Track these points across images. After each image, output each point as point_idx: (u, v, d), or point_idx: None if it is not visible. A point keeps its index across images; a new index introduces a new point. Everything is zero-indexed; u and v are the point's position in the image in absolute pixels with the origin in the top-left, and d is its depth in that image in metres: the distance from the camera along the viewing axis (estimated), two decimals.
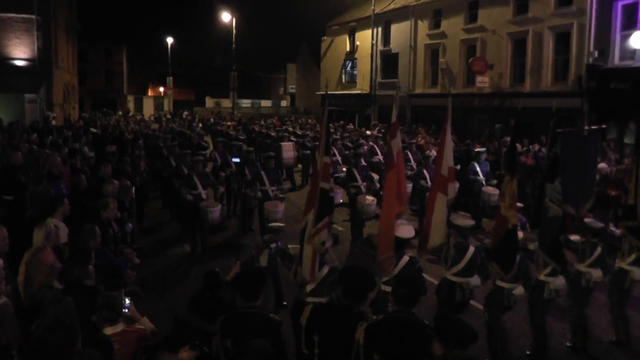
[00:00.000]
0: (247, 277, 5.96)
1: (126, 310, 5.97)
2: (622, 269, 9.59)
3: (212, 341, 4.98)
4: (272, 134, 29.38)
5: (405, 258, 8.29)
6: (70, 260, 6.81)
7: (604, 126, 14.73)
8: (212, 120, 46.26)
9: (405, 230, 8.49)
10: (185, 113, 54.77)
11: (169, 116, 51.92)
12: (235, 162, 18.40)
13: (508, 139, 20.47)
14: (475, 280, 8.75)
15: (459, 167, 17.20)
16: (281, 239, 10.83)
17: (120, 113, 46.78)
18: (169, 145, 20.38)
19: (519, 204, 11.01)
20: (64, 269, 6.74)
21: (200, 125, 41.12)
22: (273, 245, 10.32)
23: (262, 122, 38.94)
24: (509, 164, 8.51)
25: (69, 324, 4.67)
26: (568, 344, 9.48)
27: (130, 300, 6.07)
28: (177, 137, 25.47)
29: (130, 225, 10.85)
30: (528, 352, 9.17)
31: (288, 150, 23.55)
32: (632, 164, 9.86)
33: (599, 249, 9.39)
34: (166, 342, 4.75)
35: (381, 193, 12.14)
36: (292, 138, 26.88)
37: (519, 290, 8.55)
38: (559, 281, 8.88)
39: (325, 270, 7.71)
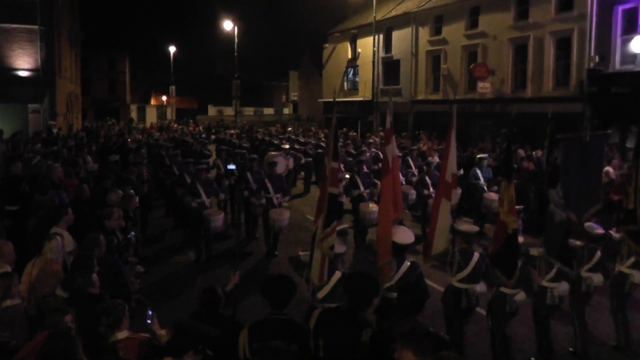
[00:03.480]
0: (277, 286, 5.95)
1: (149, 321, 6.01)
2: (621, 272, 9.62)
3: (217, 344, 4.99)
4: (275, 141, 29.45)
5: (407, 263, 8.31)
6: (74, 269, 6.85)
7: (608, 132, 14.73)
8: (201, 129, 46.60)
9: (406, 235, 8.52)
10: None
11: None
12: (231, 169, 18.45)
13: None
14: (481, 286, 8.73)
15: (461, 171, 17.25)
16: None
17: (116, 126, 46.20)
18: (171, 154, 20.42)
19: (517, 206, 11.06)
20: (68, 278, 6.79)
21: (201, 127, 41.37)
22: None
23: (265, 130, 39.09)
24: (506, 169, 8.52)
25: (68, 333, 4.71)
26: (571, 349, 9.49)
27: (153, 312, 6.09)
28: (179, 145, 25.51)
29: (133, 233, 10.88)
30: (532, 359, 9.17)
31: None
32: (632, 168, 9.90)
33: (598, 254, 9.42)
34: (169, 348, 4.79)
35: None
36: (296, 146, 26.89)
37: (520, 296, 8.54)
38: (563, 287, 8.89)
39: (338, 276, 7.77)
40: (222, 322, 5.88)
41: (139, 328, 6.03)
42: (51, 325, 5.31)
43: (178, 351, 4.65)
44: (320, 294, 7.63)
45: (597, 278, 9.34)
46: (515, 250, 8.26)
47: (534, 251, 9.09)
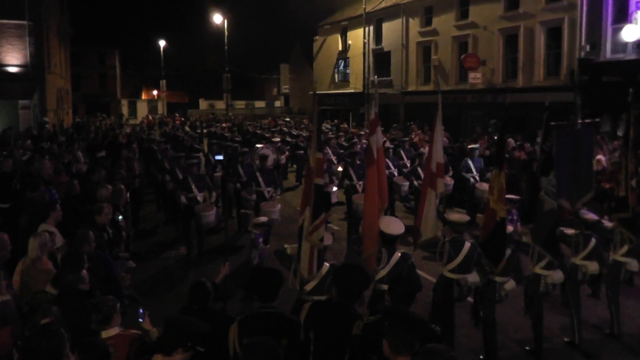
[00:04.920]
0: (263, 278, 5.91)
1: (141, 320, 5.98)
2: (616, 261, 9.65)
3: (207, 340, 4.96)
4: (267, 134, 29.42)
5: (397, 254, 8.27)
6: (63, 266, 6.82)
7: (597, 120, 14.79)
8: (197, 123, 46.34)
9: (396, 226, 8.49)
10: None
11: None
12: (219, 160, 18.46)
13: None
14: (473, 277, 8.70)
15: (451, 173, 17.28)
16: (266, 233, 10.83)
17: (108, 121, 45.92)
18: (162, 148, 20.36)
19: (514, 196, 11.09)
20: (58, 274, 6.76)
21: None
22: (260, 240, 10.34)
23: (250, 123, 39.10)
24: (497, 158, 8.55)
25: (53, 330, 4.68)
26: (566, 340, 9.50)
27: (145, 309, 6.06)
28: (170, 140, 25.46)
29: (121, 217, 10.81)
30: (527, 348, 9.19)
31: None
32: (622, 156, 9.94)
33: (593, 241, 9.42)
34: (159, 344, 4.76)
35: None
36: (287, 138, 26.86)
37: (510, 284, 8.56)
38: (557, 275, 8.91)
39: (326, 268, 7.75)
40: (212, 317, 5.86)
41: (131, 324, 6.01)
42: (33, 325, 5.30)
43: (167, 348, 4.61)
44: (309, 287, 7.61)
45: (593, 266, 9.35)
46: (503, 238, 8.28)
47: (527, 238, 9.12)
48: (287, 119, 42.80)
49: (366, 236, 8.29)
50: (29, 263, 7.47)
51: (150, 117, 55.75)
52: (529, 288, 9.05)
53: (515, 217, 11.99)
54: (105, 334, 5.46)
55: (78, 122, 41.45)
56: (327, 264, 7.83)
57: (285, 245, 9.36)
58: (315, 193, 7.44)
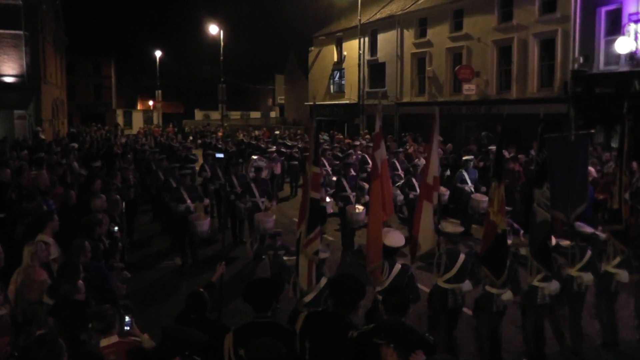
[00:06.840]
0: (258, 288, 5.93)
1: (127, 328, 6.00)
2: (608, 272, 9.68)
3: (205, 350, 4.98)
4: (262, 145, 29.45)
5: (398, 266, 8.36)
6: (59, 276, 6.84)
7: (592, 131, 14.86)
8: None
9: (396, 238, 8.56)
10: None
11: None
12: (220, 158, 18.48)
13: (492, 147, 20.54)
14: (467, 285, 8.78)
15: (448, 172, 17.31)
16: (280, 242, 10.84)
17: (103, 131, 45.75)
18: (156, 159, 20.37)
19: (507, 208, 11.13)
20: (54, 285, 6.78)
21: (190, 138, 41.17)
22: (270, 252, 10.33)
23: (246, 133, 39.03)
24: (496, 170, 8.58)
25: (52, 339, 4.70)
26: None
27: (132, 317, 6.08)
28: (165, 150, 25.46)
29: (117, 228, 10.83)
30: (524, 359, 9.21)
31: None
32: (616, 168, 9.99)
33: (589, 253, 9.45)
34: (157, 353, 4.79)
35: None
36: (282, 149, 26.88)
37: (507, 295, 8.58)
38: (554, 286, 8.93)
39: (324, 281, 7.79)
40: (209, 326, 5.88)
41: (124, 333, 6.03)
42: (27, 335, 5.32)
43: (165, 357, 4.64)
44: (307, 298, 7.65)
45: (588, 277, 9.38)
46: (505, 250, 8.31)
47: (524, 250, 9.15)
48: (277, 132, 42.63)
49: (370, 249, 8.32)
50: (23, 273, 7.48)
51: (147, 128, 55.92)
52: (526, 300, 9.09)
53: (510, 229, 12.03)
54: (106, 341, 5.48)
55: (72, 133, 41.43)
56: (325, 278, 7.88)
57: (284, 257, 9.37)
58: (311, 206, 7.47)
